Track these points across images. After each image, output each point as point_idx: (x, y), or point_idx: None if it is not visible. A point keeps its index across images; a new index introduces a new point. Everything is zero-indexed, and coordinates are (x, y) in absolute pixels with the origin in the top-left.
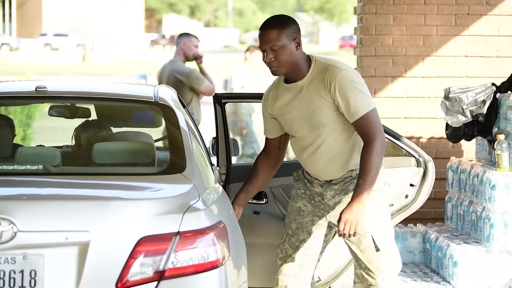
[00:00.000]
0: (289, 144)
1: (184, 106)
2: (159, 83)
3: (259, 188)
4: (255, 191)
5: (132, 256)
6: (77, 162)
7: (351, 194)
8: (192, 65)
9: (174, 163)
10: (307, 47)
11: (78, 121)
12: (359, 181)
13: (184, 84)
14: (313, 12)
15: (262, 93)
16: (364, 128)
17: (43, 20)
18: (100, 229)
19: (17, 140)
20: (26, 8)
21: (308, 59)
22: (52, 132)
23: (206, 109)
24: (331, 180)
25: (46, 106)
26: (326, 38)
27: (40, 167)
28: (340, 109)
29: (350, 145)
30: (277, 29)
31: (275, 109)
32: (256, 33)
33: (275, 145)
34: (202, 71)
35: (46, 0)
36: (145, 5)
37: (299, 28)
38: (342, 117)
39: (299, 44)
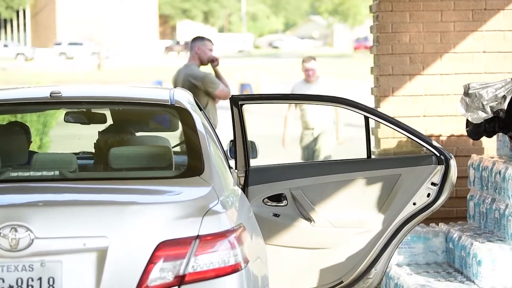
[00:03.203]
0: (303, 146)
1: (200, 109)
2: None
3: None
4: None
5: (151, 261)
6: (94, 167)
7: None
8: (207, 69)
9: (192, 166)
10: (321, 50)
11: (94, 128)
12: None
13: (199, 88)
14: (327, 14)
15: (280, 94)
16: None
17: (58, 29)
18: (119, 234)
19: (33, 148)
20: (40, 18)
21: None
22: (68, 140)
23: (223, 113)
24: None
25: (62, 114)
26: (341, 40)
27: (57, 173)
28: None
29: None
30: None
31: None
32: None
33: None
34: (217, 74)
35: (60, 9)
36: (159, 11)
37: None
38: None
39: None
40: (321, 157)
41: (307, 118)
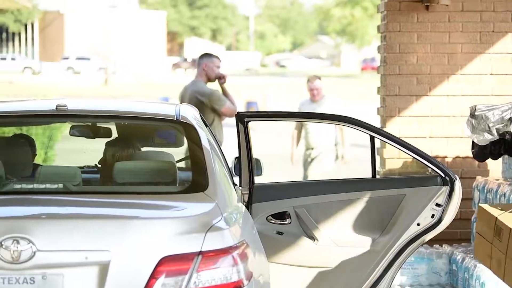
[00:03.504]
0: (308, 162)
1: (206, 125)
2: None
3: None
4: None
5: (153, 276)
6: (98, 181)
7: None
8: (214, 86)
9: (196, 181)
10: (329, 70)
11: (100, 142)
12: None
13: (205, 105)
14: (335, 34)
15: (286, 112)
16: None
17: (65, 43)
18: (121, 248)
19: (38, 161)
20: (49, 32)
21: None
22: (74, 154)
23: (229, 131)
24: None
25: (67, 128)
26: (348, 60)
27: (60, 186)
28: None
29: None
30: None
31: None
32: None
33: None
34: (224, 91)
35: (68, 24)
36: (167, 28)
37: None
38: None
39: None
40: (313, 178)
41: (309, 138)
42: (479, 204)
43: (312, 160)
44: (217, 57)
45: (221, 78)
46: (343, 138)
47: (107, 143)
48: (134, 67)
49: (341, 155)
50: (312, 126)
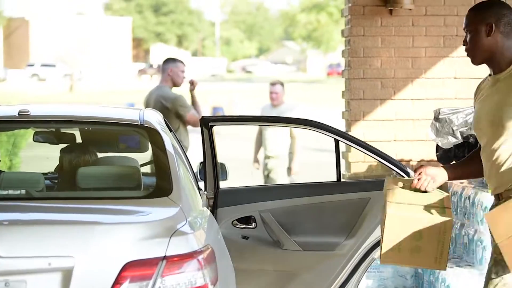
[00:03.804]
0: (265, 175)
1: (171, 130)
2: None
3: (471, 174)
4: (465, 174)
5: (117, 281)
6: (61, 187)
7: None
8: (180, 91)
9: (160, 186)
10: (295, 75)
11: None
12: None
13: (170, 110)
14: (301, 40)
15: (251, 116)
16: None
17: (30, 50)
18: (84, 254)
19: (3, 168)
20: (13, 39)
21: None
22: (39, 161)
23: (195, 136)
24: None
25: (31, 134)
26: (314, 66)
27: (23, 192)
28: None
29: None
30: (472, 11)
31: (475, 102)
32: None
33: None
34: (193, 99)
35: (33, 31)
36: (133, 34)
37: (502, 13)
38: None
39: (491, 30)
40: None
41: (266, 145)
42: (387, 176)
43: (268, 173)
44: (182, 62)
45: (191, 84)
46: (294, 148)
47: (62, 150)
48: (100, 73)
49: (291, 167)
50: (269, 133)
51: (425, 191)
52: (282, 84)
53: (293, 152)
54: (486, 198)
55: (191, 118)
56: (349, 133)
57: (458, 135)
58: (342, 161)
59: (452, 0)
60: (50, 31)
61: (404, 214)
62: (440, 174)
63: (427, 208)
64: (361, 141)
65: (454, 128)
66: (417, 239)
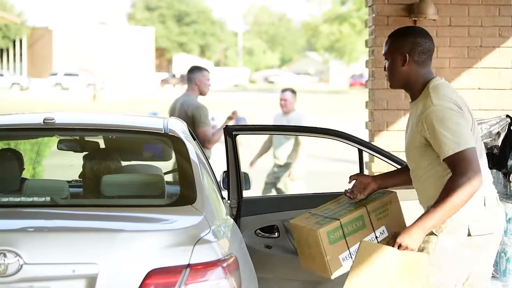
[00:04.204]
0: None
1: (194, 139)
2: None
3: (398, 183)
4: (394, 181)
5: None
6: (85, 195)
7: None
8: (203, 100)
9: (184, 194)
10: (317, 86)
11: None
12: (430, 207)
13: (189, 117)
14: (323, 51)
15: (273, 125)
16: (452, 166)
17: (54, 59)
18: (108, 261)
19: (26, 176)
20: (37, 48)
21: (427, 80)
22: (62, 169)
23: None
24: None
25: (55, 143)
26: (336, 76)
27: (48, 199)
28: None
29: (439, 181)
30: (389, 38)
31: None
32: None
33: None
34: (224, 124)
35: (56, 40)
36: (156, 44)
37: (416, 42)
38: (431, 149)
39: (405, 60)
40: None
41: (275, 152)
42: (291, 221)
43: (276, 182)
44: (207, 70)
45: (233, 114)
46: (297, 154)
47: (85, 157)
48: (123, 83)
49: (290, 171)
50: (278, 142)
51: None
52: (293, 91)
53: (295, 158)
54: (510, 209)
55: (202, 133)
56: (373, 143)
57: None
58: (366, 171)
59: (477, 11)
60: (73, 41)
61: (301, 224)
62: (370, 183)
63: (321, 219)
64: (385, 151)
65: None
66: (308, 247)
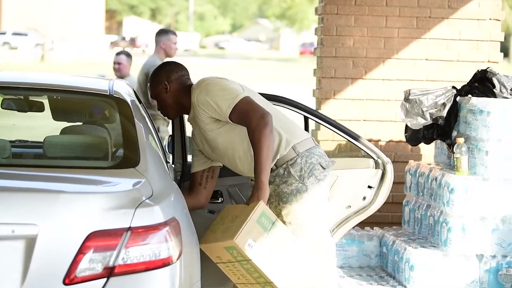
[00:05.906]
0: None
1: (140, 102)
2: (138, 81)
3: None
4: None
5: (81, 251)
6: (28, 155)
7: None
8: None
9: (127, 157)
10: (267, 53)
11: (31, 118)
12: (255, 167)
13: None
14: (274, 18)
15: None
16: (240, 120)
17: (2, 18)
18: (49, 222)
19: None
20: None
21: (190, 91)
22: (6, 130)
23: None
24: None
25: None
26: (287, 44)
27: None
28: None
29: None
30: (149, 82)
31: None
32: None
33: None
34: None
35: None
36: (106, 6)
37: (167, 71)
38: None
39: (167, 87)
40: None
41: None
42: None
43: None
44: (174, 33)
45: None
46: None
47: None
48: (72, 44)
49: None
50: None
51: None
52: (128, 54)
53: None
54: (453, 179)
55: None
56: (319, 111)
57: (428, 116)
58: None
59: None
60: (22, 0)
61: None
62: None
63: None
64: (331, 119)
65: (424, 109)
66: (232, 220)
